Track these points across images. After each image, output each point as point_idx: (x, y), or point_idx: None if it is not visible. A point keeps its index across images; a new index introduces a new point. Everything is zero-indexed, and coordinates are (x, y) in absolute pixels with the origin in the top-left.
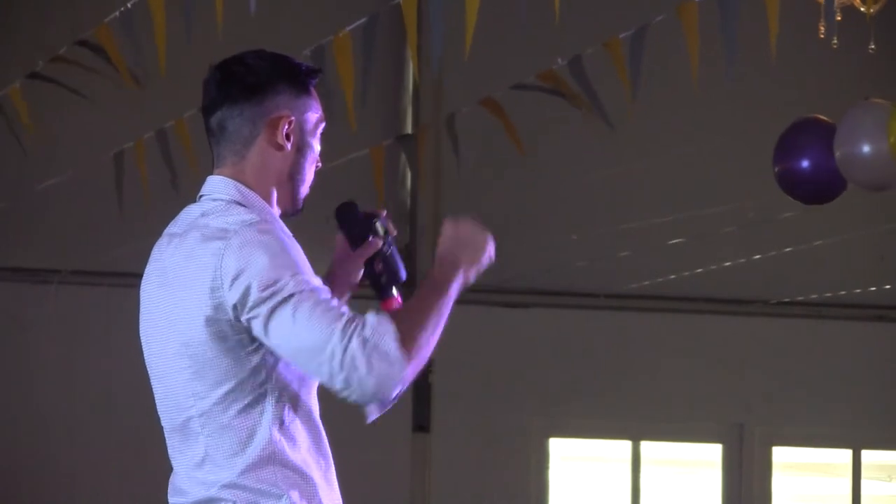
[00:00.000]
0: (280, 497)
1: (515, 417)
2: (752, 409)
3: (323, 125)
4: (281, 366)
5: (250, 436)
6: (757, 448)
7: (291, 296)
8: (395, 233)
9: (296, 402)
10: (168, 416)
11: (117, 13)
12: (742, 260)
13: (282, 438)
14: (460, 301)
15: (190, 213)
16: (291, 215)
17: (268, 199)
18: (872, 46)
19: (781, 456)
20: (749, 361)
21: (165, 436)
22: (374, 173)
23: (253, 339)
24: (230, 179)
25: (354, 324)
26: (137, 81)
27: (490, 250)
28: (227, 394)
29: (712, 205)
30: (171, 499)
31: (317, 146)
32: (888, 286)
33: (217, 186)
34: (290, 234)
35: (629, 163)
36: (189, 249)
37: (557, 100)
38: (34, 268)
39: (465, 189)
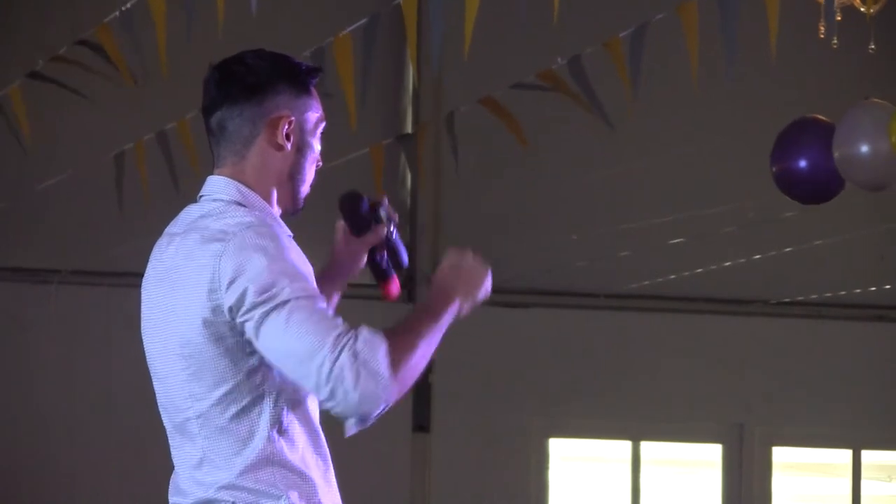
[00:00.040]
0: (279, 497)
1: (515, 417)
2: (752, 409)
3: (323, 125)
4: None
5: (249, 437)
6: (757, 448)
7: (287, 301)
8: (396, 218)
9: (294, 404)
10: (168, 416)
11: (117, 13)
12: (742, 260)
13: (280, 439)
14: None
15: (190, 213)
16: (292, 215)
17: (268, 198)
18: (872, 46)
19: (781, 456)
20: (749, 361)
21: (167, 435)
22: (374, 173)
23: (250, 341)
24: (230, 180)
25: (347, 336)
26: (137, 81)
27: (487, 286)
28: (225, 395)
29: (712, 205)
30: (171, 498)
31: (317, 146)
32: (888, 286)
33: (217, 187)
34: (291, 235)
35: (629, 163)
36: (188, 250)
37: (557, 99)
38: (34, 268)
39: (465, 189)
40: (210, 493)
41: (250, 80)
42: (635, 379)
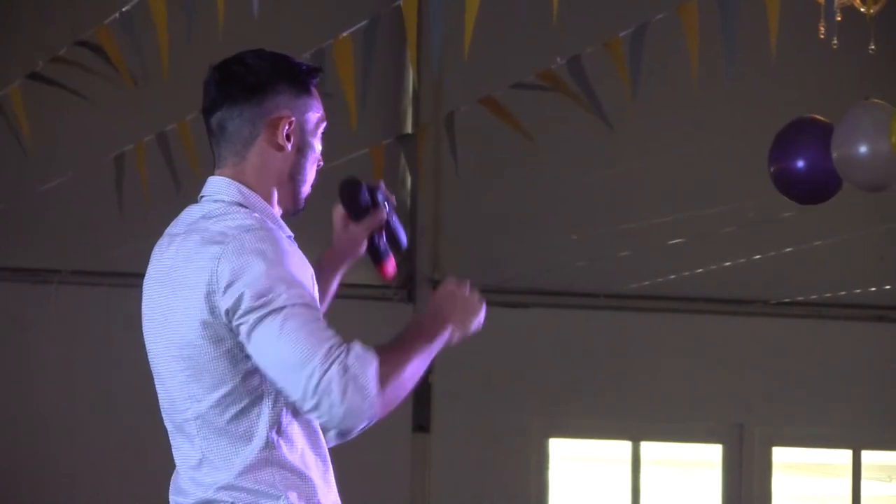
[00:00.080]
0: (278, 498)
1: (515, 417)
2: (752, 409)
3: (324, 125)
4: None
5: (248, 438)
6: (757, 448)
7: (282, 308)
8: (394, 200)
9: (293, 405)
10: (168, 416)
11: (117, 14)
12: (742, 260)
13: (279, 440)
14: None
15: (191, 213)
16: (293, 215)
17: (269, 199)
18: (872, 46)
19: (781, 456)
20: (749, 361)
21: (168, 435)
22: (374, 173)
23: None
24: (231, 180)
25: (339, 350)
26: (137, 82)
27: (480, 319)
28: (224, 397)
29: (712, 205)
30: (172, 497)
31: (318, 146)
32: (888, 286)
33: (218, 187)
34: (292, 235)
35: (629, 163)
36: (188, 252)
37: (557, 99)
38: (34, 268)
39: (465, 189)
40: (209, 494)
41: (250, 81)
42: (635, 379)
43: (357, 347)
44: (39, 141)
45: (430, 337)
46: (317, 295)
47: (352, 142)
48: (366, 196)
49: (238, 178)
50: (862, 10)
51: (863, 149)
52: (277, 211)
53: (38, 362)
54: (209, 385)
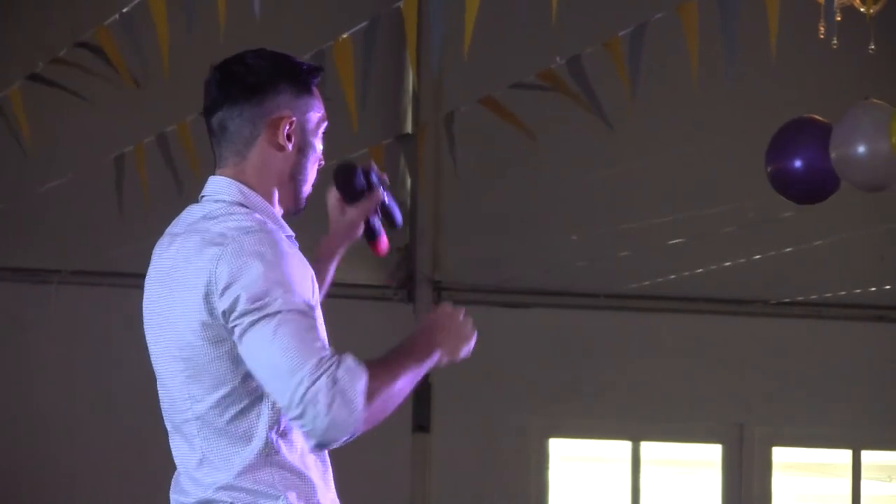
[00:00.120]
0: (277, 498)
1: (515, 417)
2: (752, 409)
3: (325, 124)
4: None
5: (247, 439)
6: (757, 448)
7: (277, 313)
8: (387, 179)
9: None
10: (168, 416)
11: (117, 15)
12: (742, 260)
13: (279, 441)
14: (460, 301)
15: (192, 213)
16: (294, 214)
17: (269, 199)
18: (872, 46)
19: (781, 456)
20: (749, 361)
21: (168, 435)
22: None
23: None
24: (232, 180)
25: (330, 361)
26: (138, 83)
27: (470, 347)
28: (224, 398)
29: (712, 205)
30: (172, 496)
31: (319, 145)
32: (888, 286)
33: (219, 187)
34: (293, 235)
35: (629, 163)
36: (189, 253)
37: (557, 99)
38: (34, 268)
39: (464, 189)
40: (209, 494)
41: (250, 81)
42: (635, 379)
43: (348, 360)
44: (39, 142)
45: (420, 358)
46: (317, 293)
47: (352, 142)
48: (361, 179)
49: (239, 178)
50: (862, 10)
51: (862, 149)
52: (278, 211)
53: (38, 362)
54: (209, 386)
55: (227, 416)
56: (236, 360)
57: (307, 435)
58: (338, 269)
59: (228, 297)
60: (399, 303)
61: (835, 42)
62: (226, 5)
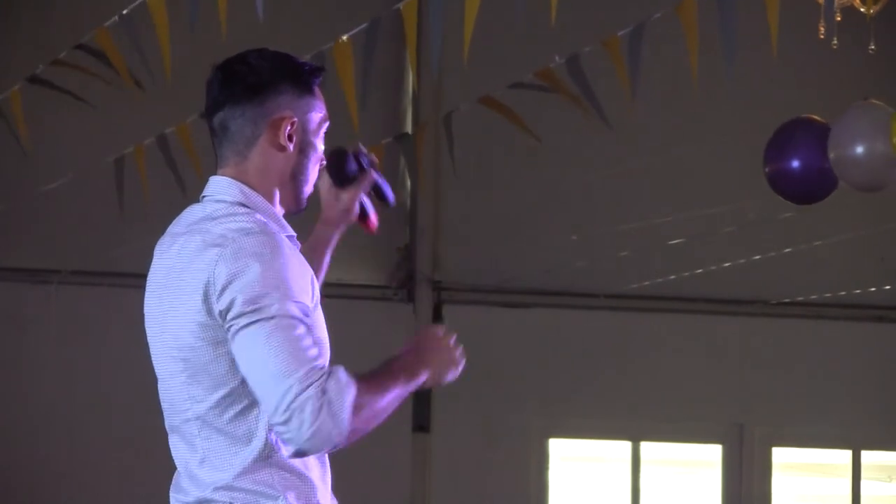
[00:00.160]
0: (276, 498)
1: (515, 417)
2: (752, 409)
3: (327, 125)
4: None
5: (247, 439)
6: (757, 448)
7: (272, 318)
8: (376, 160)
9: None
10: (168, 416)
11: (117, 17)
12: (742, 260)
13: (279, 441)
14: (460, 301)
15: (193, 213)
16: (295, 214)
17: (270, 199)
18: (872, 46)
19: (781, 456)
20: (749, 361)
21: (168, 435)
22: None
23: None
24: (233, 180)
25: (321, 371)
26: (139, 84)
27: (458, 371)
28: (223, 398)
29: (712, 205)
30: (172, 495)
31: (320, 146)
32: (888, 286)
33: (220, 187)
34: (294, 235)
35: (629, 163)
36: (189, 253)
37: (557, 99)
38: (34, 268)
39: (464, 189)
40: (208, 494)
41: (252, 80)
42: (635, 379)
43: (339, 373)
44: (39, 143)
45: (408, 380)
46: (318, 295)
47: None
48: (353, 164)
49: (240, 178)
50: (862, 10)
51: (860, 149)
52: (280, 211)
53: (37, 362)
54: (208, 386)
55: (227, 416)
56: (235, 361)
57: (287, 441)
58: (338, 270)
59: (226, 298)
60: (399, 303)
61: (835, 42)
62: (226, 6)
